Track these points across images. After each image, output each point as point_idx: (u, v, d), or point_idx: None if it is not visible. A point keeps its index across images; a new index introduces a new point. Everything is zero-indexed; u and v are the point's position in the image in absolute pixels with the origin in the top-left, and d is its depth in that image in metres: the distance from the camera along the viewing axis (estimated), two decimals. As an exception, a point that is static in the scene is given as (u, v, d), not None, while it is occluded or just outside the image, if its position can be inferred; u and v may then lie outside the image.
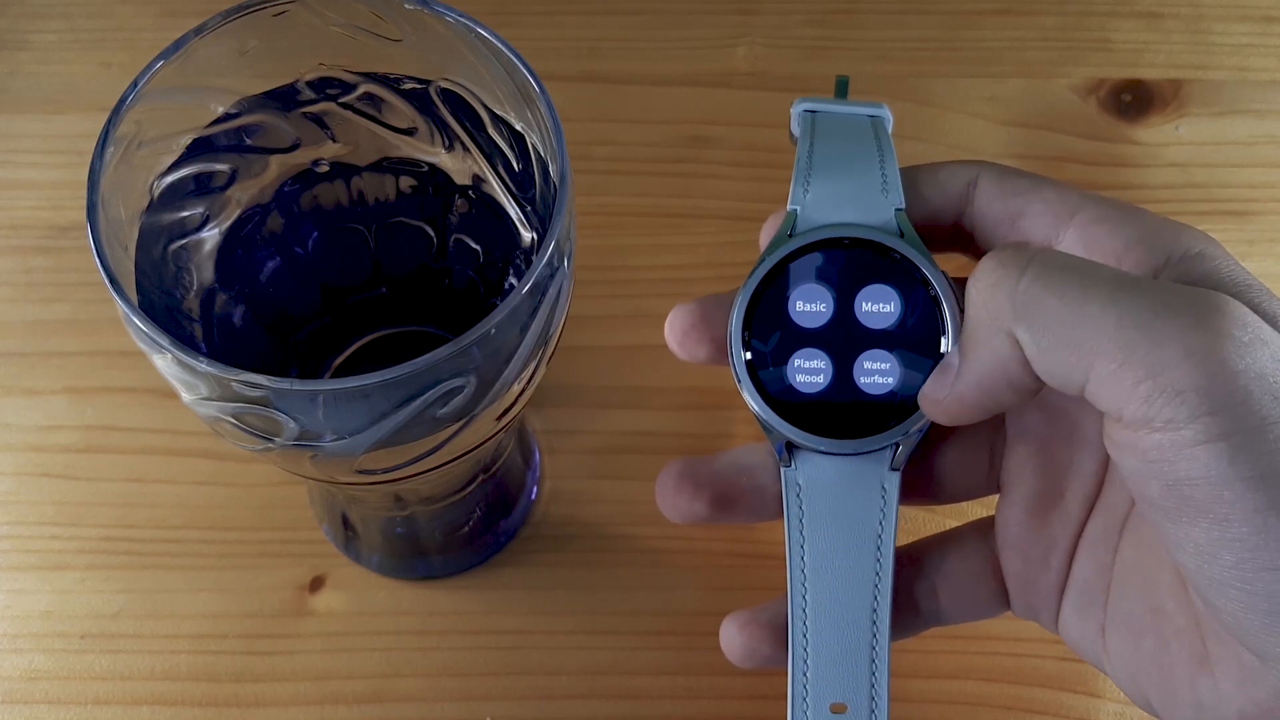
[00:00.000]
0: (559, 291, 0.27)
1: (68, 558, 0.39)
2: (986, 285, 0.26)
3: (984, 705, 0.38)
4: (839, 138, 0.30)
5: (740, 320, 0.29)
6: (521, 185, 0.31)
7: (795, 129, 0.31)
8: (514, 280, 0.32)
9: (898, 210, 0.29)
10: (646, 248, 0.44)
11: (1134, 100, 0.48)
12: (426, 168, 0.32)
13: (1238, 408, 0.23)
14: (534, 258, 0.26)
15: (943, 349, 0.28)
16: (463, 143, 0.32)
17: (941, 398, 0.27)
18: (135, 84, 0.27)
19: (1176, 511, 0.24)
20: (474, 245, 0.33)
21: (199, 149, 0.30)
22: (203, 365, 0.24)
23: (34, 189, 0.45)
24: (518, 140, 0.31)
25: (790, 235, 0.29)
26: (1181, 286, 0.25)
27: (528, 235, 0.32)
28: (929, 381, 0.28)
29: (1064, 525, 0.29)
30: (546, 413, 0.42)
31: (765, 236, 0.30)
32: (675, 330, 0.30)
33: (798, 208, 0.29)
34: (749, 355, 0.29)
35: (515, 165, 0.31)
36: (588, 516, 0.40)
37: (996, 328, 0.26)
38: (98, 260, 0.25)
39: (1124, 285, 0.24)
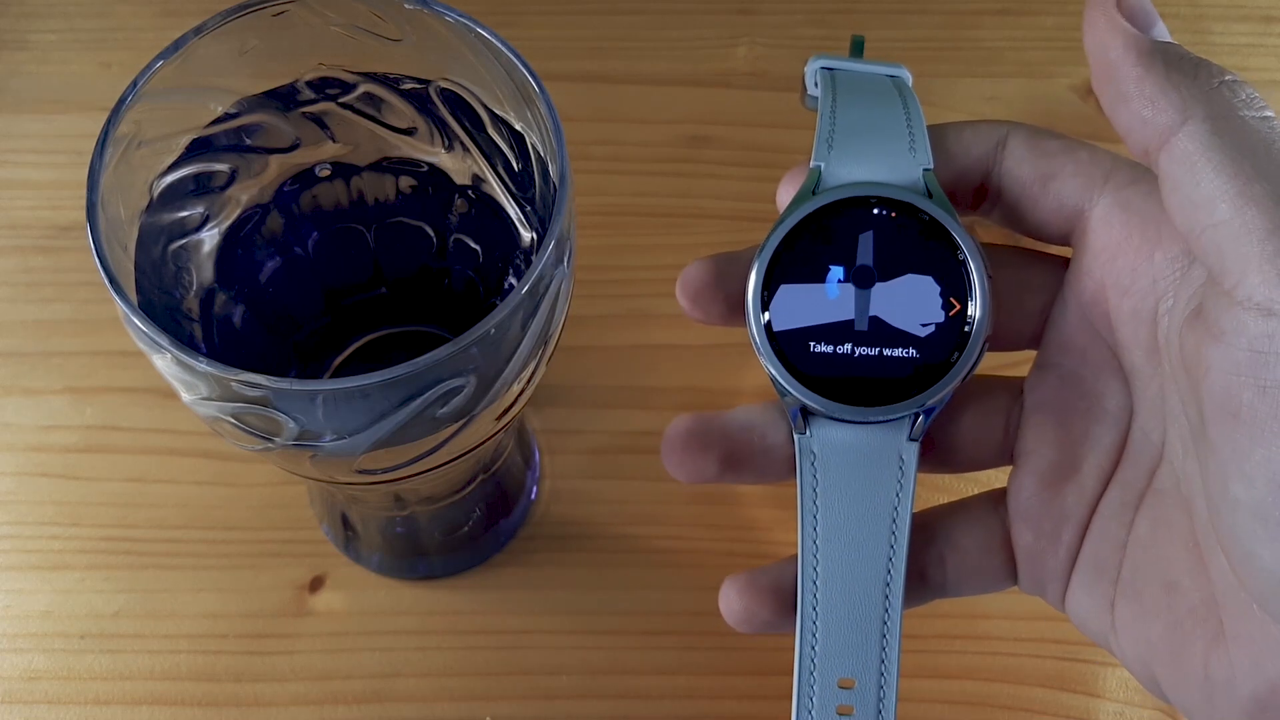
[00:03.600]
0: (559, 291, 0.27)
1: (68, 558, 0.39)
2: (1195, 63, 0.24)
3: (984, 705, 0.38)
4: (862, 94, 0.29)
5: (759, 280, 0.28)
6: (521, 185, 0.31)
7: (812, 87, 0.30)
8: (514, 280, 0.32)
9: (926, 170, 0.28)
10: (646, 248, 0.44)
11: (1134, 100, 0.48)
12: (426, 168, 0.32)
13: None
14: (534, 257, 0.26)
15: (967, 318, 0.27)
16: (462, 143, 0.32)
17: (1120, 27, 0.25)
18: (135, 84, 0.27)
19: (1261, 425, 0.23)
20: (474, 245, 0.33)
21: (199, 149, 0.30)
22: (202, 365, 0.24)
23: (34, 189, 0.45)
24: (517, 140, 0.31)
25: (814, 193, 0.28)
26: None
27: (528, 235, 0.32)
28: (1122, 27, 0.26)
29: (1078, 499, 0.29)
30: (546, 413, 0.42)
31: (784, 193, 0.29)
32: (689, 288, 0.29)
33: (821, 164, 0.28)
34: (767, 317, 0.28)
35: (515, 165, 0.31)
36: (588, 516, 0.40)
37: (1182, 105, 0.24)
38: (98, 260, 0.25)
39: None
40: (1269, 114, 0.24)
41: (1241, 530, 0.24)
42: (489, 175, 0.32)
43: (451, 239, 0.33)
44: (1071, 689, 0.38)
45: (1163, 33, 0.26)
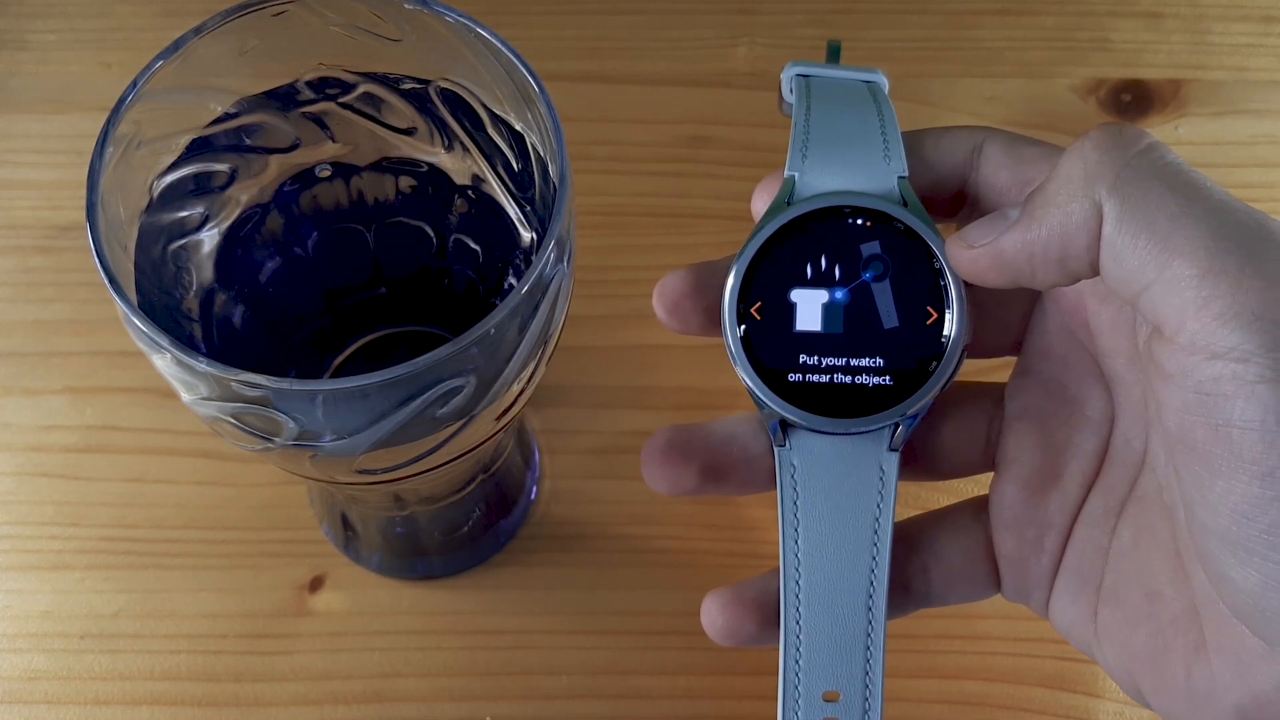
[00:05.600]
0: (559, 291, 0.27)
1: (68, 558, 0.39)
2: (1093, 147, 0.24)
3: (984, 705, 0.38)
4: (837, 102, 0.29)
5: (735, 292, 0.28)
6: (521, 185, 0.31)
7: (787, 94, 0.30)
8: (514, 280, 0.32)
9: (901, 178, 0.28)
10: (646, 248, 0.44)
11: (1134, 100, 0.48)
12: (426, 168, 0.32)
13: None
14: (534, 257, 0.26)
15: (945, 326, 0.27)
16: (462, 143, 0.32)
17: (979, 244, 0.26)
18: (135, 84, 0.27)
19: (1218, 460, 0.23)
20: (474, 245, 0.33)
21: (198, 149, 0.30)
22: (202, 365, 0.24)
23: (34, 189, 0.45)
24: (517, 140, 0.31)
25: (788, 203, 0.28)
26: None
27: (528, 235, 0.32)
28: (972, 226, 0.26)
29: (1060, 506, 0.29)
30: (546, 413, 0.42)
31: (759, 202, 0.29)
32: (666, 299, 0.29)
33: (796, 174, 0.28)
34: (744, 329, 0.28)
35: (515, 165, 0.31)
36: (587, 516, 0.40)
37: (1085, 191, 0.24)
38: (97, 260, 0.25)
39: (1231, 202, 0.23)
40: (1176, 162, 0.24)
41: (1212, 553, 0.24)
42: (489, 175, 0.32)
43: (451, 239, 0.33)
44: (1071, 689, 0.38)
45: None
